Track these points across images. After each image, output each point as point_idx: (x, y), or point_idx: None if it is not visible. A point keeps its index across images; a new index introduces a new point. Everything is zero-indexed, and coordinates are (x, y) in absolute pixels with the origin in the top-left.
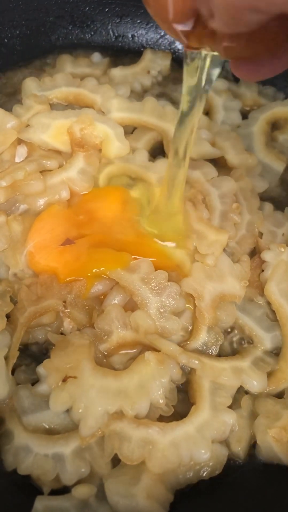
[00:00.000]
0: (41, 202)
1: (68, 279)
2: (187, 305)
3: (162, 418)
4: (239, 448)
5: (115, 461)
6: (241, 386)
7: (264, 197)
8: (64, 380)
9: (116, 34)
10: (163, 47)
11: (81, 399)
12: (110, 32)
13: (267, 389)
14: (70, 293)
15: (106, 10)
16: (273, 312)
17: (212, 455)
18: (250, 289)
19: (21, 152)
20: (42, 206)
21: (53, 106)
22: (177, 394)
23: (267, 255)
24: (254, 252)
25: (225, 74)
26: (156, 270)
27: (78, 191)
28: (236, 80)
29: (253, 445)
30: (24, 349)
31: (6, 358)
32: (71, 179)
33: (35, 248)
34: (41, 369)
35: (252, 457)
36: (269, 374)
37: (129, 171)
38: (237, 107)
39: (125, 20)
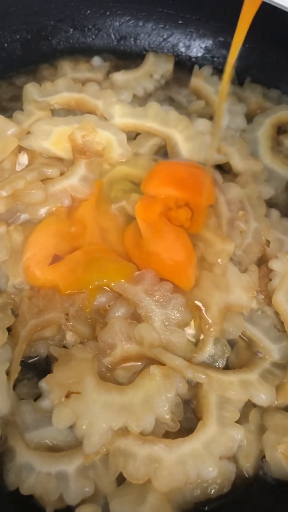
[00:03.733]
0: (42, 211)
1: (69, 291)
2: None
3: (168, 434)
4: (248, 464)
5: (121, 479)
6: (248, 400)
7: (270, 204)
8: (67, 396)
9: (118, 38)
10: (165, 50)
11: (85, 415)
12: (112, 35)
13: (276, 403)
14: (73, 306)
15: (108, 13)
16: (281, 322)
17: (219, 472)
18: (257, 299)
19: (22, 160)
20: (44, 215)
21: (54, 112)
22: (183, 409)
23: (274, 264)
24: (262, 261)
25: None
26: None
27: (80, 198)
28: (241, 83)
29: (262, 460)
30: (26, 363)
31: (8, 372)
32: (73, 187)
33: (30, 262)
34: (43, 384)
35: (262, 473)
36: (278, 387)
37: (132, 176)
38: (242, 111)
39: (127, 23)
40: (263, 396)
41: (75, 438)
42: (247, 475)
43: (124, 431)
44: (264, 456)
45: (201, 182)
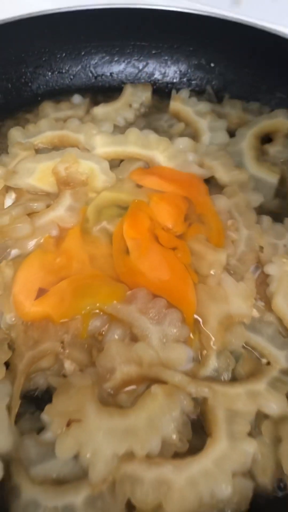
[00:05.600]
0: (31, 244)
1: (63, 320)
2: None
3: (177, 455)
4: (266, 479)
5: (130, 509)
6: (260, 411)
7: (263, 211)
8: (68, 425)
9: (96, 75)
10: (142, 80)
11: (88, 443)
12: (89, 73)
13: None
14: (67, 333)
15: (83, 53)
16: (285, 328)
17: (235, 490)
18: (257, 306)
19: (10, 198)
20: (33, 248)
21: (39, 151)
22: (192, 428)
23: (270, 269)
24: (257, 268)
25: (207, 97)
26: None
27: (68, 227)
28: (220, 100)
29: (280, 474)
30: (27, 396)
31: (8, 408)
32: (59, 217)
33: (17, 297)
34: (45, 416)
35: (282, 489)
36: None
37: (118, 200)
38: (223, 126)
39: (102, 60)
40: (274, 406)
41: (81, 469)
42: (266, 491)
43: (129, 456)
44: (282, 469)
45: (197, 182)
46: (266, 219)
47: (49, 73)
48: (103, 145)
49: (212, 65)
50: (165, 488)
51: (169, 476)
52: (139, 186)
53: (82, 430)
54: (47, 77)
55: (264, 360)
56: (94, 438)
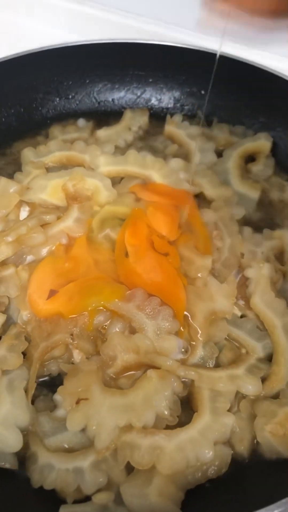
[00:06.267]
0: (44, 251)
1: (71, 315)
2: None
3: (168, 427)
4: (242, 448)
5: (129, 470)
6: (240, 393)
7: (245, 222)
8: (77, 403)
9: (99, 100)
10: (140, 105)
11: (94, 417)
12: (93, 99)
13: (263, 393)
14: (76, 327)
15: (87, 81)
16: (262, 323)
17: (216, 455)
18: (238, 305)
19: (24, 211)
20: (45, 254)
21: (49, 169)
22: (180, 405)
23: (249, 272)
24: (239, 272)
25: (198, 121)
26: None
27: (75, 236)
28: (209, 124)
29: (255, 443)
30: (41, 381)
31: (26, 390)
32: (68, 227)
33: (32, 297)
34: (57, 396)
35: (256, 455)
36: (264, 379)
37: (119, 213)
38: (211, 148)
39: (105, 87)
40: (250, 387)
41: (87, 440)
42: (243, 458)
43: (129, 428)
44: (257, 440)
45: (187, 197)
46: (247, 230)
47: (57, 99)
48: (106, 164)
49: (202, 92)
50: (158, 452)
51: (161, 443)
52: (137, 201)
53: (89, 406)
54: (55, 102)
55: (243, 350)
56: (99, 413)
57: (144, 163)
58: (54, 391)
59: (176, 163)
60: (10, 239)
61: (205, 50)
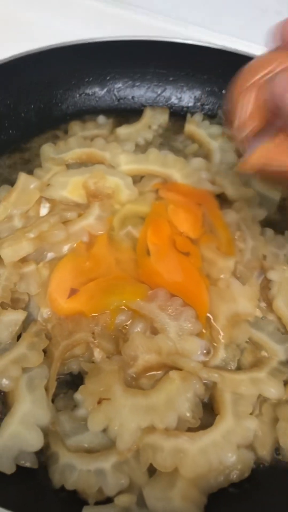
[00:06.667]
0: (65, 248)
1: (93, 314)
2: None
3: (190, 430)
4: (265, 452)
5: (152, 472)
6: (262, 396)
7: (267, 224)
8: (99, 403)
9: (119, 98)
10: (160, 104)
11: (116, 418)
12: (113, 96)
13: (285, 396)
14: (97, 326)
15: (108, 78)
16: (284, 326)
17: (239, 459)
18: (260, 307)
19: (45, 208)
20: (67, 251)
21: (69, 166)
22: (202, 408)
23: (272, 275)
24: (261, 273)
25: (218, 121)
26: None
27: (96, 234)
28: None
29: (277, 448)
30: (62, 379)
31: (46, 388)
32: (90, 225)
33: (52, 295)
34: (78, 395)
35: (279, 459)
36: (286, 383)
37: (140, 212)
38: (232, 148)
39: (125, 85)
40: (273, 390)
41: (109, 440)
42: (265, 462)
43: (151, 429)
44: (279, 444)
45: (209, 197)
46: (269, 232)
47: (77, 95)
48: (127, 163)
49: (224, 92)
50: (181, 455)
51: (184, 446)
52: (158, 199)
53: (111, 407)
54: (75, 99)
55: (265, 353)
56: (121, 413)
57: (165, 162)
58: (74, 389)
59: (197, 162)
60: (32, 235)
61: (227, 49)
